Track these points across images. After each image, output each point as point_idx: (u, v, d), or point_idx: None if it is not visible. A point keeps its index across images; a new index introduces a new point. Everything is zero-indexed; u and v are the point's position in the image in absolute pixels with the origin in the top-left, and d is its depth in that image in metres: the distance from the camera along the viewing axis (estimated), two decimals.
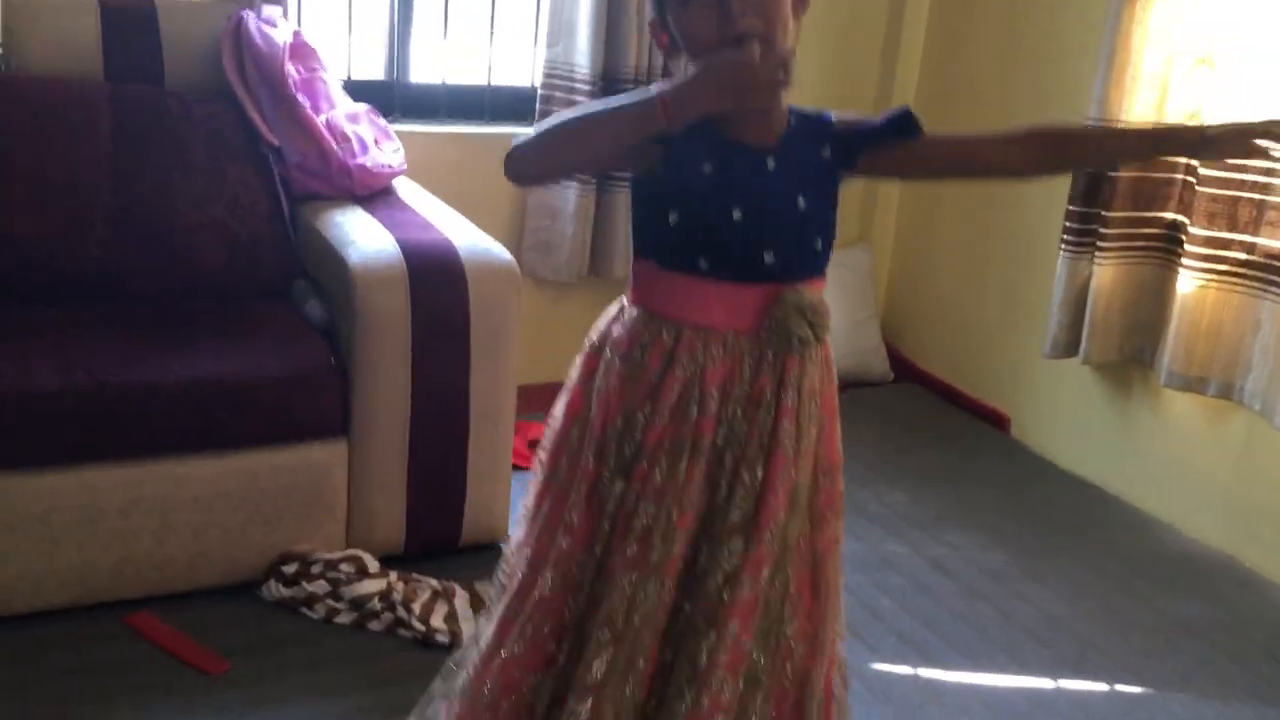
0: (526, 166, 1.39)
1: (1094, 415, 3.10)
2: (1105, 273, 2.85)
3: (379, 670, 2.06)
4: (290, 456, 2.21)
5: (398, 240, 2.29)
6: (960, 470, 3.12)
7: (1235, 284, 2.66)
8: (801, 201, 1.42)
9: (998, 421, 3.40)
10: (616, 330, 1.49)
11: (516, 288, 2.32)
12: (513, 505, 2.49)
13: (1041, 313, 3.11)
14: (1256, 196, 2.60)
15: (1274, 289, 2.58)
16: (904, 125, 1.44)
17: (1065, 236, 2.90)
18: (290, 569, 2.23)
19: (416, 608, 2.18)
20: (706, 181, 1.40)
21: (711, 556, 1.42)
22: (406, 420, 2.27)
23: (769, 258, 1.41)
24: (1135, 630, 2.41)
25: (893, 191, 3.77)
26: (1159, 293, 2.84)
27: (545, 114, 3.16)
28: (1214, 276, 2.68)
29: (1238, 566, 2.70)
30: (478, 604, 2.23)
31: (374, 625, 2.18)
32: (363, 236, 2.32)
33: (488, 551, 2.47)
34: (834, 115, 1.47)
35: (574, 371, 1.55)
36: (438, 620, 2.17)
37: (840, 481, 1.52)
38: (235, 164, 2.47)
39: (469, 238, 2.37)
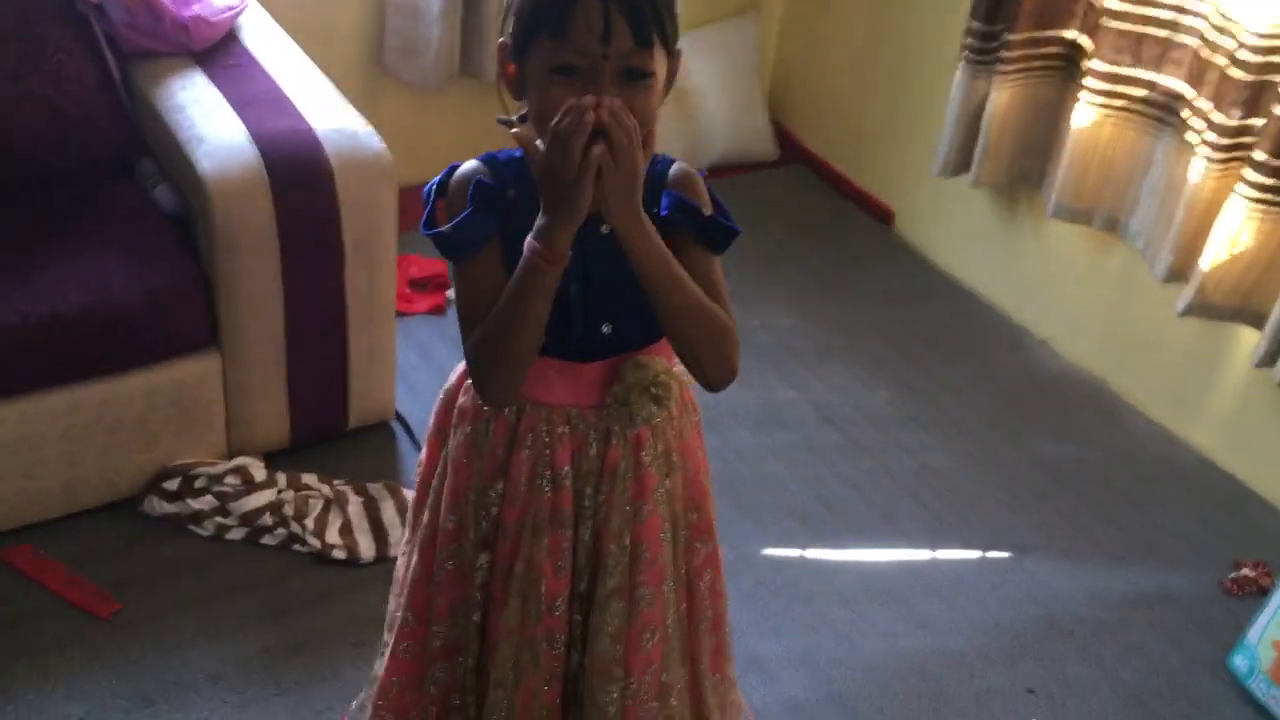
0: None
1: (978, 226, 3.08)
2: (1002, 95, 2.74)
3: (277, 599, 2.06)
4: (159, 375, 2.09)
5: (252, 134, 2.06)
6: (844, 281, 3.11)
7: (1131, 119, 2.59)
8: None
9: (883, 216, 3.36)
10: (463, 398, 1.41)
11: (389, 181, 2.14)
12: (399, 369, 2.42)
13: (929, 119, 3.02)
14: (1163, 34, 2.49)
15: (1169, 129, 2.53)
16: (711, 238, 1.32)
17: (966, 51, 2.76)
18: (172, 485, 2.16)
19: (310, 522, 2.16)
20: None
21: (597, 619, 1.41)
22: (281, 324, 2.14)
23: (606, 329, 1.33)
24: (1008, 480, 2.53)
25: None
26: (1054, 115, 2.76)
27: None
28: (1111, 110, 2.60)
29: (1106, 392, 2.81)
30: (371, 508, 2.21)
31: (266, 540, 2.15)
32: (210, 127, 2.08)
33: (376, 430, 2.43)
34: (674, 171, 1.33)
35: (430, 419, 1.48)
36: (333, 535, 2.15)
37: (709, 509, 1.49)
38: (51, 26, 2.15)
39: (332, 120, 2.14)
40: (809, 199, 3.46)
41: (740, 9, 3.55)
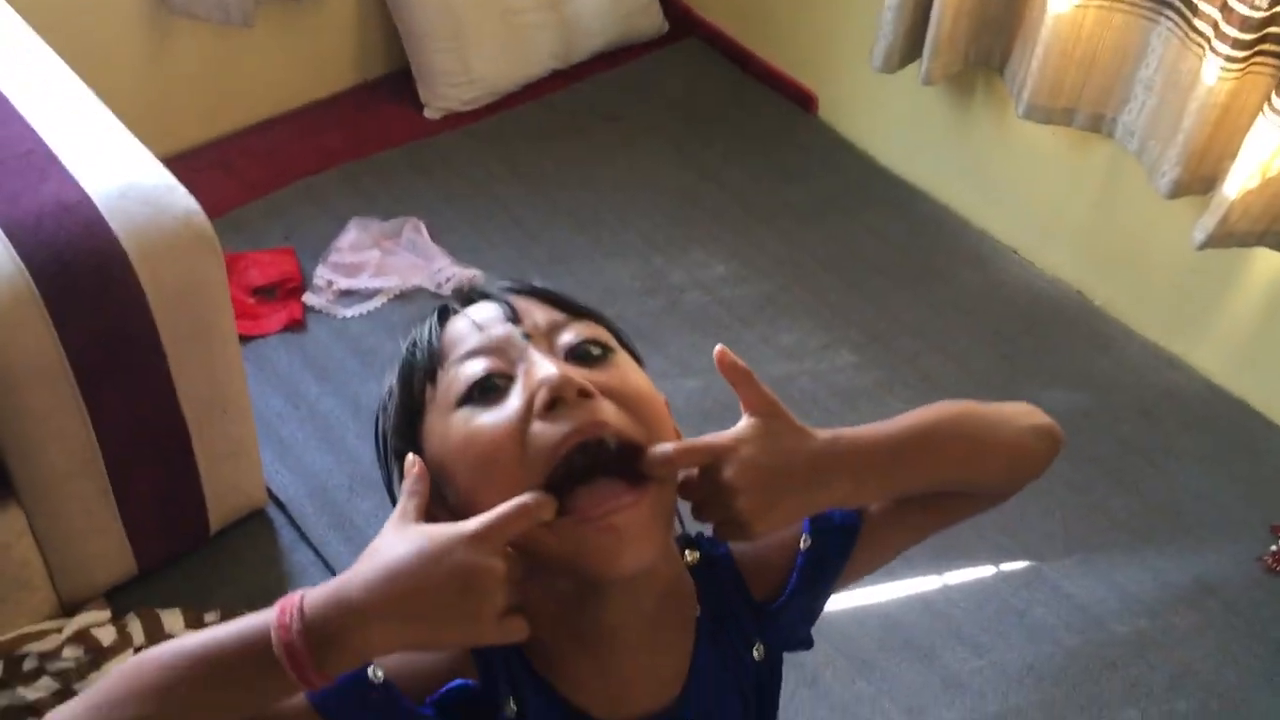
0: None
1: (923, 113, 2.60)
2: None
3: None
4: None
5: (3, 228, 1.46)
6: (772, 198, 2.63)
7: (1118, 4, 2.11)
8: None
9: (803, 101, 2.85)
10: None
11: (208, 247, 1.57)
12: (260, 417, 1.91)
13: None
14: None
15: (1168, 11, 2.06)
16: (844, 538, 0.86)
17: None
18: None
19: None
20: None
21: None
22: (95, 455, 1.61)
23: None
24: None
25: None
26: None
27: None
28: None
29: (1092, 311, 2.43)
30: None
31: None
32: None
33: (248, 524, 1.93)
34: (737, 562, 0.86)
35: None
36: None
37: None
38: None
39: (116, 173, 1.54)
40: (711, 83, 2.92)
41: None
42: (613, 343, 0.79)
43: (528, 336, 0.75)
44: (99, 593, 1.77)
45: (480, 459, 0.72)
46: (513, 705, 0.76)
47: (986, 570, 1.99)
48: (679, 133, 2.76)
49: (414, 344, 0.79)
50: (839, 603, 1.85)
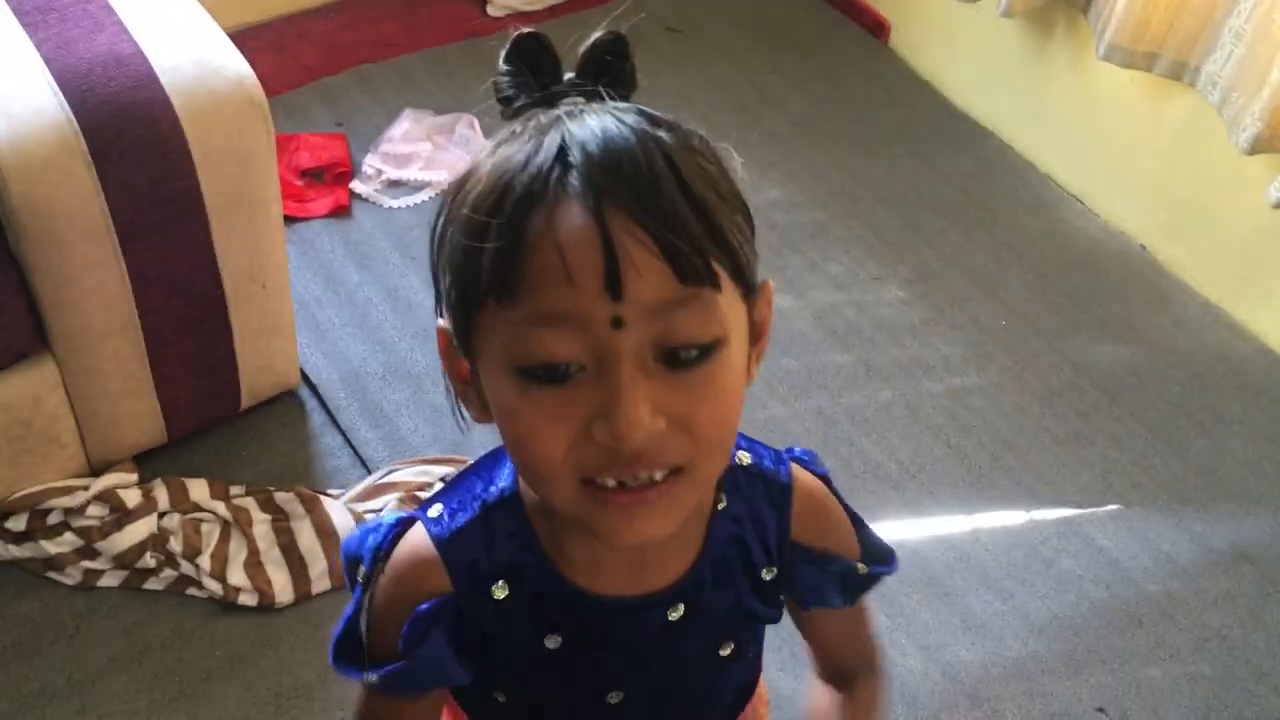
0: None
1: (998, 49, 2.52)
2: None
3: (169, 669, 1.62)
4: None
5: (54, 73, 1.43)
6: (832, 123, 2.56)
7: None
8: (727, 648, 0.83)
9: (875, 28, 2.77)
10: None
11: (258, 115, 1.54)
12: (299, 300, 1.91)
13: None
14: None
15: None
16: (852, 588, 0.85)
17: None
18: (18, 524, 1.67)
19: (206, 560, 1.69)
20: (553, 662, 0.78)
21: None
22: (132, 316, 1.60)
23: None
24: (1050, 401, 2.11)
25: None
26: None
27: None
28: None
29: (1152, 266, 2.36)
30: (282, 531, 1.74)
31: (152, 584, 1.69)
32: None
33: (279, 404, 1.93)
34: (798, 501, 0.81)
35: None
36: (236, 574, 1.69)
37: None
38: None
39: (171, 36, 1.51)
40: (780, 3, 2.84)
41: None
42: (723, 325, 0.64)
43: (620, 322, 0.61)
44: (127, 456, 1.77)
45: (519, 443, 0.66)
46: (503, 585, 0.75)
47: (1018, 516, 1.95)
48: (743, 51, 2.70)
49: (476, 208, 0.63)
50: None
